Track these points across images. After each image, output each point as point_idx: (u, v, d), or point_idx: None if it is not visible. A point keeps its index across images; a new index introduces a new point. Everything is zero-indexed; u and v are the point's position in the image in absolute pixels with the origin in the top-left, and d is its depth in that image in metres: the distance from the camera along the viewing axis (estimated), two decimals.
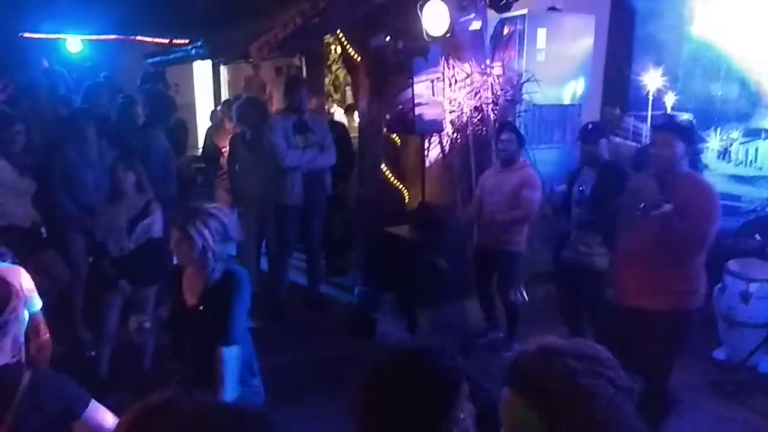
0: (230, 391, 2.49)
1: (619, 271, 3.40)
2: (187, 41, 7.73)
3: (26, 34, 7.31)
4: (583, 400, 1.13)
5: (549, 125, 5.72)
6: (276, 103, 8.21)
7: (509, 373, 1.25)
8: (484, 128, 5.26)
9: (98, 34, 8.32)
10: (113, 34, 8.47)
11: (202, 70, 10.18)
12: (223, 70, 10.24)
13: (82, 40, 8.37)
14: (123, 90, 6.91)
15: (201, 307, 2.58)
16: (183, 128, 6.77)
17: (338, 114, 8.18)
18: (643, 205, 3.01)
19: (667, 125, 3.52)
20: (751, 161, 5.34)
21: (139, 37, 8.44)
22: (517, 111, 5.38)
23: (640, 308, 3.16)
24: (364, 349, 4.86)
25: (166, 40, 8.40)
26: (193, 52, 7.02)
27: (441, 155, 5.40)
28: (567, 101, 5.84)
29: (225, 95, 9.88)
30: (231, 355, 2.50)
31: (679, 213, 2.97)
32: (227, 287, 2.54)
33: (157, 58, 8.40)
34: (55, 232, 4.49)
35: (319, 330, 5.05)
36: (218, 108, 8.13)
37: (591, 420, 1.11)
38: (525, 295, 4.69)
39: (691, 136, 3.31)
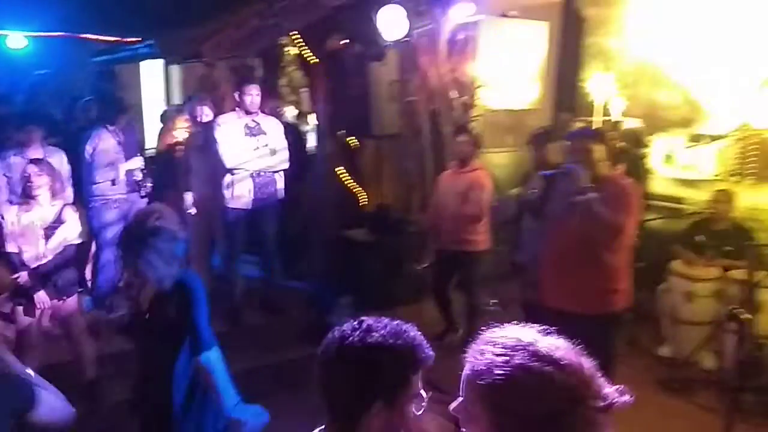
0: (227, 398, 2.47)
1: (544, 274, 3.46)
2: (137, 40, 7.55)
3: None
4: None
5: (502, 129, 5.83)
6: (230, 104, 8.07)
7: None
8: (441, 131, 5.33)
9: (43, 31, 8.01)
10: (59, 31, 8.17)
11: (151, 69, 9.92)
12: (174, 70, 10.00)
13: (26, 37, 8.05)
14: (69, 90, 6.68)
15: (147, 316, 2.54)
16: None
17: (291, 115, 8.11)
18: (580, 186, 3.06)
19: (582, 133, 3.63)
20: (693, 165, 5.57)
21: (86, 35, 8.18)
22: (471, 115, 5.46)
23: (564, 311, 3.19)
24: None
25: (115, 39, 8.18)
26: (144, 51, 6.87)
27: (397, 158, 5.44)
28: (520, 106, 5.97)
29: (176, 95, 9.65)
30: (209, 359, 2.47)
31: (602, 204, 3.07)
32: (182, 299, 2.48)
33: (106, 57, 8.17)
34: None
35: (276, 335, 4.99)
36: (169, 108, 7.94)
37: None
38: (493, 300, 4.73)
39: (606, 141, 3.41)
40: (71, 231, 3.77)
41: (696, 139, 5.55)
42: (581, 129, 4.58)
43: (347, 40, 4.84)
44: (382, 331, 1.33)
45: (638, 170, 5.40)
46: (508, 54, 5.74)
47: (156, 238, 2.42)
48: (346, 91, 5.19)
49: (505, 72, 5.72)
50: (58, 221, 3.74)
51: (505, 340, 1.13)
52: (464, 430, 1.15)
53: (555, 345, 1.13)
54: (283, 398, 3.37)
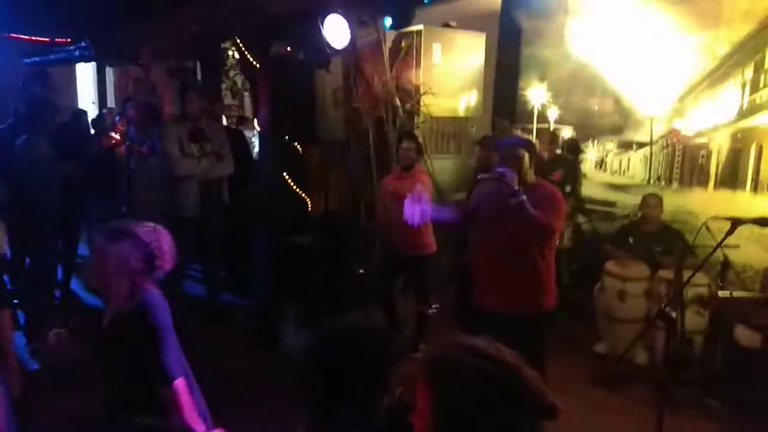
0: (196, 424, 2.34)
1: (478, 275, 3.56)
2: (69, 40, 7.28)
3: None
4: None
5: (445, 136, 5.96)
6: (168, 107, 7.90)
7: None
8: (386, 138, 5.40)
9: None
10: None
11: (84, 71, 9.59)
12: (108, 72, 9.70)
13: None
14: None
15: (104, 335, 2.44)
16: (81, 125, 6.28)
17: (233, 120, 8.01)
18: (514, 189, 3.19)
19: (513, 141, 3.80)
20: (624, 171, 5.87)
21: (15, 35, 7.80)
22: (415, 122, 5.56)
23: (498, 311, 3.32)
24: (269, 361, 4.81)
25: (47, 39, 7.85)
26: (78, 53, 6.64)
27: (343, 164, 5.47)
28: (461, 113, 6.12)
29: (111, 98, 9.36)
30: (174, 391, 2.30)
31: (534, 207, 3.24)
32: (142, 322, 2.32)
33: (37, 58, 7.82)
34: None
35: (223, 343, 4.93)
36: (104, 111, 7.69)
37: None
38: (433, 303, 4.81)
39: (534, 150, 3.57)
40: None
41: (626, 145, 5.85)
42: (511, 137, 4.74)
43: (291, 47, 4.83)
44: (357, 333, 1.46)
45: (574, 175, 5.64)
46: (449, 63, 5.87)
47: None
48: (290, 96, 5.18)
49: (447, 80, 5.85)
50: None
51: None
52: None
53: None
54: (234, 406, 3.35)
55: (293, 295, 5.20)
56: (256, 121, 6.67)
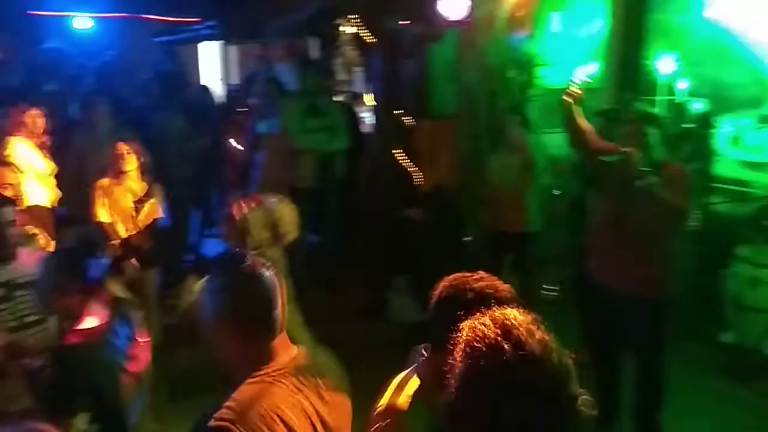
0: None
1: (602, 258, 3.40)
2: (197, 20, 7.73)
3: (32, 12, 7.28)
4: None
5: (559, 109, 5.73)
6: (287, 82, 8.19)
7: None
8: (497, 112, 5.28)
9: (107, 12, 8.29)
10: (122, 11, 8.44)
11: (208, 49, 10.13)
12: (231, 50, 10.19)
13: (91, 18, 8.33)
14: (133, 69, 6.90)
15: None
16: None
17: (346, 95, 8.15)
18: (635, 172, 3.01)
19: (636, 116, 3.53)
20: (762, 147, 5.36)
21: (147, 15, 8.42)
22: (529, 95, 5.40)
23: (622, 294, 3.20)
24: (377, 330, 4.96)
25: (176, 19, 8.39)
26: (205, 31, 7.03)
27: (453, 138, 5.43)
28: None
29: (233, 75, 9.85)
30: None
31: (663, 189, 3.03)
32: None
33: (167, 38, 8.39)
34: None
35: (335, 311, 5.13)
36: (231, 87, 8.12)
37: None
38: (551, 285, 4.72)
39: (661, 125, 3.33)
40: (157, 206, 3.99)
41: (766, 120, 5.34)
42: (636, 112, 4.49)
43: (407, 21, 4.83)
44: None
45: (704, 152, 5.25)
46: (567, 30, 5.62)
47: None
48: (403, 71, 5.21)
49: (565, 50, 5.61)
50: (146, 196, 3.96)
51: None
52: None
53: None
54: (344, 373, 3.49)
55: (402, 267, 5.31)
56: (368, 96, 6.77)
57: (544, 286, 4.69)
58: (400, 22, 4.92)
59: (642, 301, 3.18)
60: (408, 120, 5.53)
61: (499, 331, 1.12)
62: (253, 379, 1.53)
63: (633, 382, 3.41)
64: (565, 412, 1.09)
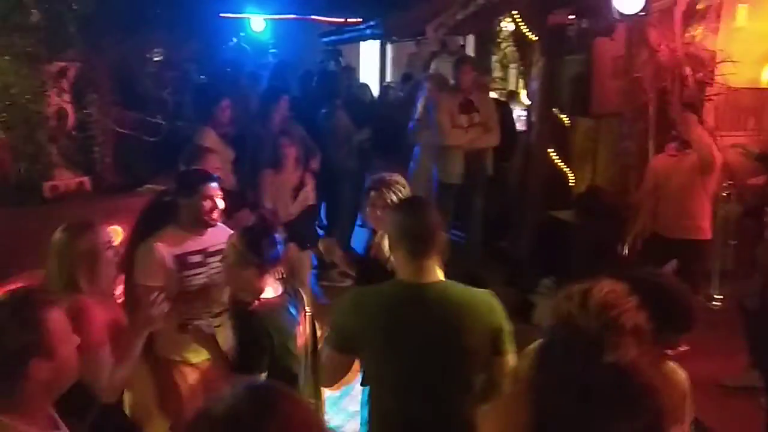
0: None
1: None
2: (360, 20, 8.08)
3: (224, 15, 8.07)
4: None
5: (743, 110, 5.21)
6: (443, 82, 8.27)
7: None
8: (669, 111, 4.93)
9: (279, 14, 8.95)
10: (292, 13, 9.07)
11: (367, 48, 10.52)
12: (388, 48, 10.50)
13: (264, 19, 9.04)
14: (302, 67, 7.37)
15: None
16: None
17: (500, 92, 8.05)
18: None
19: None
20: None
21: (315, 17, 8.97)
22: (707, 94, 4.96)
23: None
24: (520, 331, 4.86)
25: (341, 20, 8.85)
26: (368, 31, 7.32)
27: (615, 138, 5.16)
28: (766, 84, 5.28)
29: (389, 73, 10.15)
30: None
31: None
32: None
33: (332, 37, 8.86)
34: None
35: None
36: (387, 84, 8.39)
37: None
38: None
39: None
40: (310, 194, 4.27)
41: None
42: None
43: (573, 15, 4.67)
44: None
45: None
46: (756, 26, 5.08)
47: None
48: (565, 67, 5.04)
49: (751, 46, 5.08)
50: (301, 184, 4.28)
51: None
52: None
53: None
54: None
55: (551, 269, 5.15)
56: (524, 93, 6.64)
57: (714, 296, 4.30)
58: (568, 17, 4.76)
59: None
60: (565, 118, 5.35)
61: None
62: None
63: None
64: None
